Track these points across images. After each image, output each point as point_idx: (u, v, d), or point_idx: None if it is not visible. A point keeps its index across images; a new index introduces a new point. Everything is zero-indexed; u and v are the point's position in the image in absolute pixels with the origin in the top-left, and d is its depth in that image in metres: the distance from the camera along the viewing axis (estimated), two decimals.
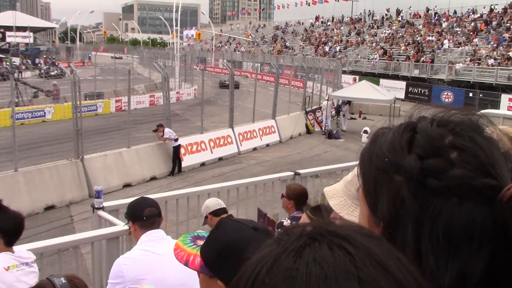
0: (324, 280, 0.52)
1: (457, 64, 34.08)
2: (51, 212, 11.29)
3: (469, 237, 0.71)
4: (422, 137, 0.76)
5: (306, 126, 22.47)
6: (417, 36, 43.61)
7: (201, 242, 3.16)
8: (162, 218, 3.25)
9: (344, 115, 23.55)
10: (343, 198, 1.35)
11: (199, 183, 12.55)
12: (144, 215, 3.10)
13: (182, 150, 15.11)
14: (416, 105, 0.88)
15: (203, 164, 16.01)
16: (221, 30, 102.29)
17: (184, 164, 15.10)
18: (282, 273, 0.54)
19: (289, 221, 4.17)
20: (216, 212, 4.28)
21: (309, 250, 0.56)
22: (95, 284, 4.97)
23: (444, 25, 44.00)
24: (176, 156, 14.70)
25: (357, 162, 0.85)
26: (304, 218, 2.33)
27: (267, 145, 19.39)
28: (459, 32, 40.48)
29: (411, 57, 39.10)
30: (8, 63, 44.00)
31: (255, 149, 18.57)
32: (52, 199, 11.65)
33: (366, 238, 0.58)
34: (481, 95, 29.20)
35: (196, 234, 3.29)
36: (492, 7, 42.55)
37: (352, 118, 25.48)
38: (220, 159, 16.76)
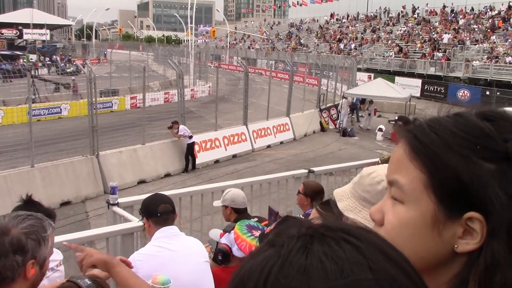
0: (340, 273, 0.53)
1: (474, 62, 33.67)
2: (66, 208, 11.39)
3: None
4: (508, 123, 0.75)
5: (320, 123, 22.39)
6: (433, 33, 43.14)
7: (256, 233, 3.24)
8: (176, 215, 3.26)
9: (370, 114, 23.32)
10: (351, 200, 1.35)
11: (213, 180, 12.60)
12: (158, 212, 3.12)
13: (196, 147, 15.17)
14: (443, 104, 0.85)
15: (217, 161, 16.05)
16: (235, 27, 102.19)
17: (198, 161, 15.16)
18: (296, 270, 0.54)
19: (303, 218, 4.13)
20: (238, 210, 4.28)
21: (317, 246, 0.56)
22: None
23: (461, 22, 43.47)
24: (189, 153, 14.75)
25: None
26: (313, 213, 2.32)
27: (281, 142, 19.35)
28: (476, 30, 39.96)
29: (427, 54, 38.70)
30: (25, 60, 44.47)
31: (269, 146, 18.55)
32: (67, 195, 11.77)
33: (362, 230, 0.60)
34: (498, 93, 28.78)
35: (248, 223, 3.32)
36: (511, 4, 41.84)
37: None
38: (234, 156, 16.78)
